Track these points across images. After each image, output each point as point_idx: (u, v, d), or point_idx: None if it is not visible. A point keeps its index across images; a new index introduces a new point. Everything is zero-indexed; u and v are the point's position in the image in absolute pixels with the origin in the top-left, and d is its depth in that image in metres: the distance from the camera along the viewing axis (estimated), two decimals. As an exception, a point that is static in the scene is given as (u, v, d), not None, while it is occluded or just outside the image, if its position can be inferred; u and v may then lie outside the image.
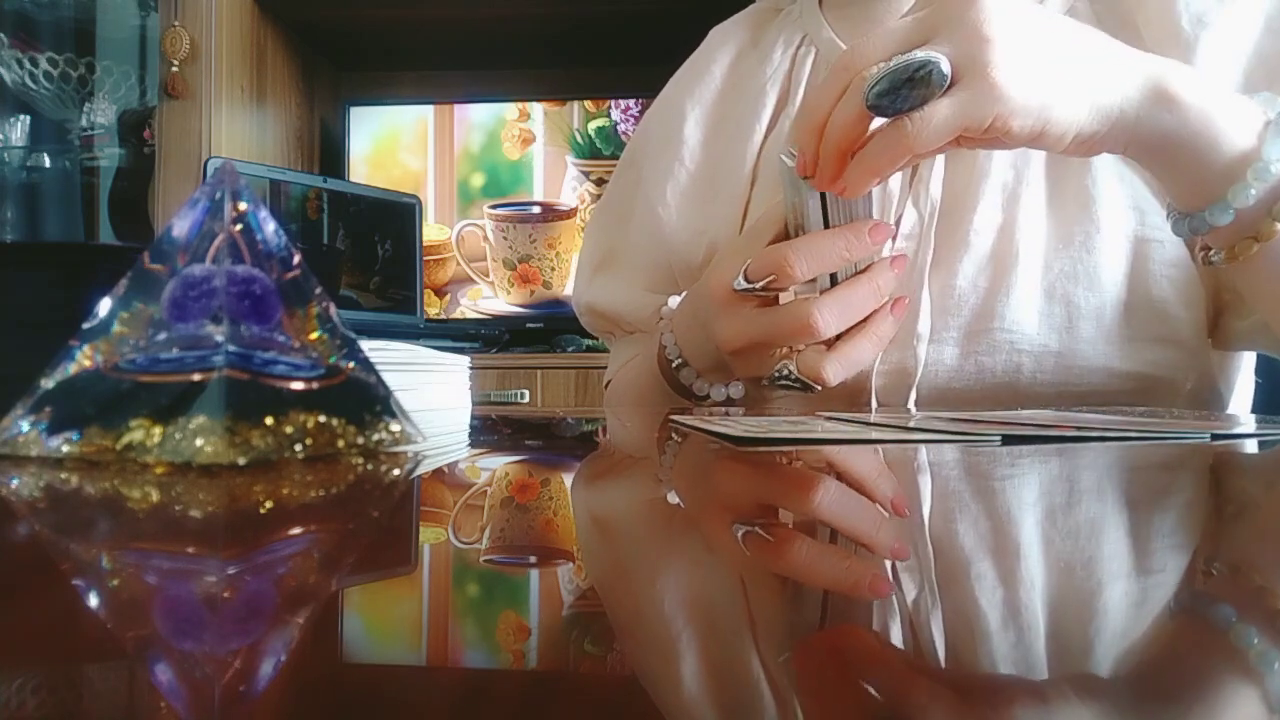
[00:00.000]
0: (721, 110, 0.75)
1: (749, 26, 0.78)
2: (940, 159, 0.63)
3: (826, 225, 0.54)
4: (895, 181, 0.64)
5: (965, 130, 0.45)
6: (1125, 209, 0.59)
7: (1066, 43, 0.47)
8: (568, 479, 0.32)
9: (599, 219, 0.83)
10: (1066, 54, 0.47)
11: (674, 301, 0.67)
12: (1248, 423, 0.45)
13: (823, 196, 0.53)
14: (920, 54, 0.44)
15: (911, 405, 0.60)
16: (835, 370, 0.55)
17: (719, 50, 0.77)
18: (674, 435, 0.43)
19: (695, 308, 0.62)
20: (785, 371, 0.56)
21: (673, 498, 0.27)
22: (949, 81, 0.45)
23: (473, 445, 0.43)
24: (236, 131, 1.74)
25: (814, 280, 0.55)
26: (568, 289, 1.97)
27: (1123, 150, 0.49)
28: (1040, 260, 0.59)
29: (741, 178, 0.70)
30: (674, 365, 0.64)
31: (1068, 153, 0.48)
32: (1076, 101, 0.47)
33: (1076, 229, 0.59)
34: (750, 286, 0.54)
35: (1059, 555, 0.18)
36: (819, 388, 0.55)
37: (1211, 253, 0.52)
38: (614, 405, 0.80)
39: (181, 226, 0.31)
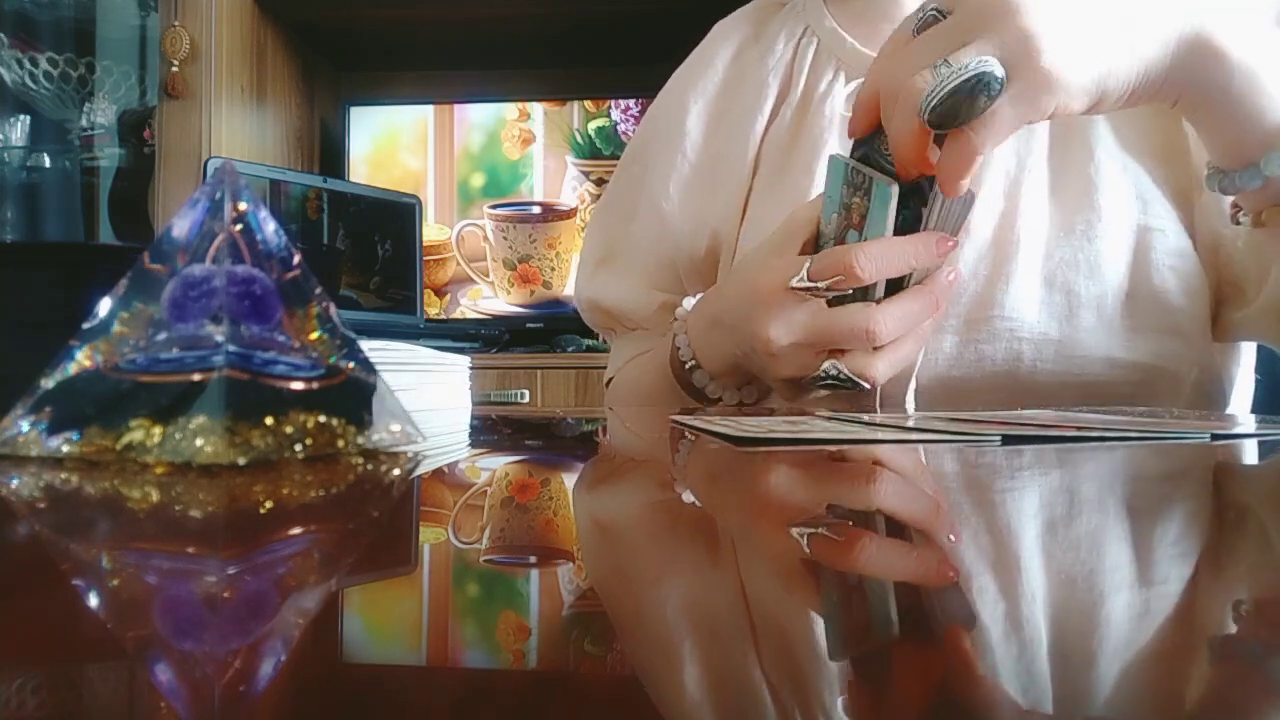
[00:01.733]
0: (724, 102, 0.74)
1: (751, 21, 0.78)
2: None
3: (897, 228, 0.53)
4: None
5: (1029, 123, 0.46)
6: (1128, 198, 0.59)
7: (1102, 4, 0.46)
8: (568, 479, 0.32)
9: (601, 215, 0.82)
10: (1106, 16, 0.46)
11: (689, 303, 0.66)
12: (1247, 423, 0.45)
13: (901, 198, 0.52)
14: (973, 63, 0.43)
15: (911, 393, 0.60)
16: (885, 370, 0.54)
17: (721, 44, 0.77)
18: (673, 435, 0.43)
19: (718, 308, 0.60)
20: (835, 371, 0.54)
21: (673, 498, 0.27)
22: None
23: (473, 445, 0.43)
24: (236, 131, 1.74)
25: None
26: (568, 289, 1.97)
27: (1173, 104, 0.49)
28: (1041, 248, 0.59)
29: (743, 167, 0.70)
30: (687, 367, 0.63)
31: (1122, 108, 0.48)
32: (1127, 64, 0.46)
33: (1078, 217, 0.59)
34: (814, 285, 0.53)
35: (1066, 557, 0.18)
36: (867, 386, 0.54)
37: (1240, 213, 0.52)
38: (616, 403, 0.80)
39: (181, 226, 0.31)
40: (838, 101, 0.67)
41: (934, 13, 0.47)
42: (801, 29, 0.73)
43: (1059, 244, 0.59)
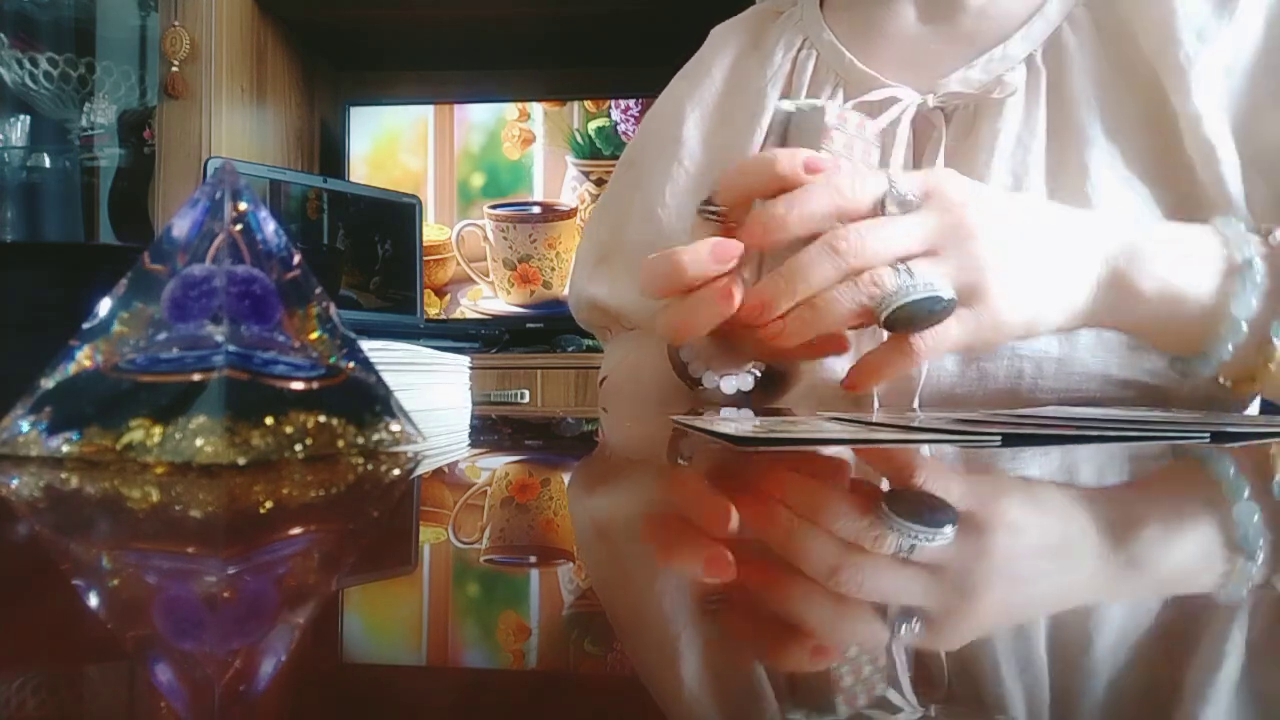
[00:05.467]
0: (721, 112, 0.75)
1: (749, 29, 0.78)
2: (940, 165, 0.63)
3: None
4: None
5: (964, 348, 0.49)
6: (1124, 217, 0.59)
7: (1047, 246, 0.49)
8: (568, 479, 0.32)
9: (598, 217, 0.82)
10: (1048, 260, 0.49)
11: None
12: (1247, 422, 0.44)
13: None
14: (942, 290, 0.46)
15: (915, 407, 0.60)
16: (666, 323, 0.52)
17: (719, 52, 0.77)
18: (674, 436, 0.43)
19: None
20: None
21: (671, 497, 0.27)
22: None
23: (473, 445, 0.43)
24: (236, 131, 1.74)
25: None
26: (568, 289, 1.96)
27: (1095, 327, 0.53)
28: None
29: None
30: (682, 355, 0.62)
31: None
32: (1055, 309, 0.49)
33: None
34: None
35: (1064, 558, 0.18)
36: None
37: (1221, 380, 0.52)
38: (610, 400, 0.80)
39: (181, 226, 0.31)
40: None
41: (909, 195, 0.48)
42: (800, 40, 0.73)
43: None
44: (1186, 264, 0.50)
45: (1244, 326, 0.49)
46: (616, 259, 0.78)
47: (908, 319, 0.46)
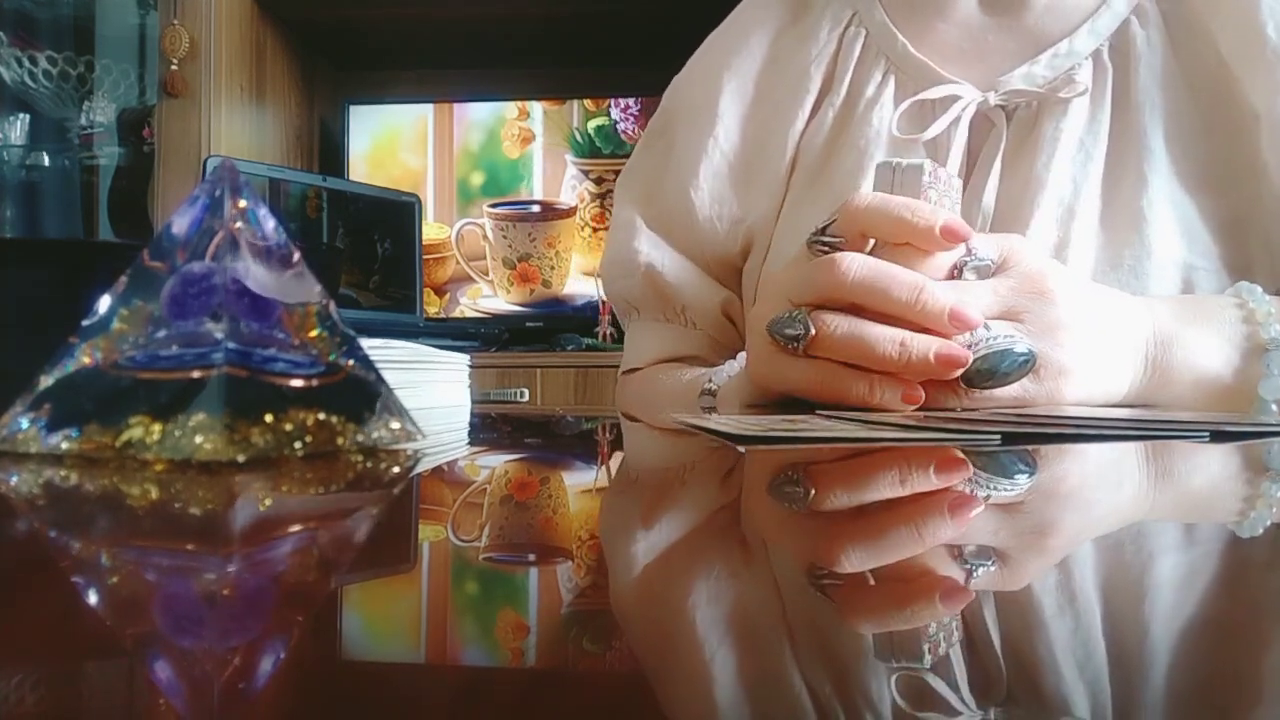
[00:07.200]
0: (760, 89, 0.71)
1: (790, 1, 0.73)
2: (996, 166, 0.61)
3: None
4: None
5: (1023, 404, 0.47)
6: (1175, 234, 0.57)
7: (1106, 328, 0.48)
8: (567, 477, 0.32)
9: (627, 188, 0.78)
10: (1106, 343, 0.48)
11: (731, 367, 0.63)
12: (1247, 420, 0.44)
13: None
14: (1022, 349, 0.44)
15: None
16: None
17: (759, 20, 0.73)
18: (673, 434, 0.43)
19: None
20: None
21: (670, 495, 0.27)
22: None
23: (472, 443, 0.43)
24: (236, 130, 1.74)
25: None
26: (567, 288, 1.96)
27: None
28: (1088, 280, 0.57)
29: (781, 165, 0.68)
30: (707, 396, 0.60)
31: None
32: (1103, 392, 0.48)
33: (1127, 251, 0.57)
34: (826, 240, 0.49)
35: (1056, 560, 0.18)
36: None
37: None
38: (628, 398, 0.76)
39: (181, 223, 0.31)
40: (885, 111, 0.64)
41: (988, 261, 0.47)
42: (848, 16, 0.69)
43: (1106, 277, 0.57)
44: (1215, 350, 0.50)
45: (1274, 408, 0.49)
46: (663, 229, 0.73)
47: (989, 373, 0.44)
